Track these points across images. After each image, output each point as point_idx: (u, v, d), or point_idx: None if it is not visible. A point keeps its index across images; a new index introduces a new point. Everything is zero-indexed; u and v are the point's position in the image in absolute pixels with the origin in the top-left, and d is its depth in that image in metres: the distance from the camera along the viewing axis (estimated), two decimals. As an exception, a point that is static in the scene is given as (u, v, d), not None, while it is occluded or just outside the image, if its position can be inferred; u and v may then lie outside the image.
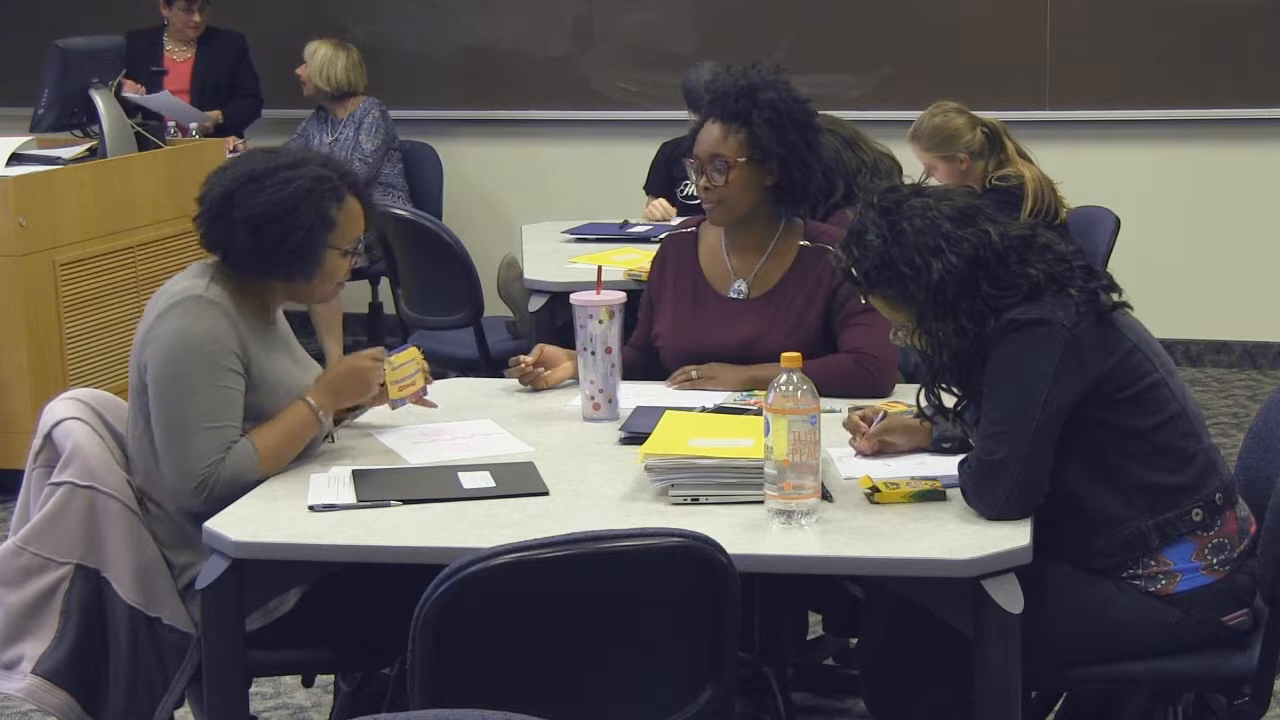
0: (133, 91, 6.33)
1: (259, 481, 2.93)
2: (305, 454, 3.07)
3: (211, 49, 7.26)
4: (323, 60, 6.97)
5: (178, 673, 2.94)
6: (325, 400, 3.07)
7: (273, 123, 7.32)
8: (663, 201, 5.81)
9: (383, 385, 3.19)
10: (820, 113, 4.74)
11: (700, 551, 2.45)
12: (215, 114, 7.04)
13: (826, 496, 2.78)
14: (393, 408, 3.26)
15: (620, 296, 3.36)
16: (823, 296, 3.51)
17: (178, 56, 7.23)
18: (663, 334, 3.64)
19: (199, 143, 6.38)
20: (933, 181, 4.75)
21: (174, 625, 2.95)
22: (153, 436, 2.97)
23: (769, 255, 3.59)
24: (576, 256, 5.12)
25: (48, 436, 3.01)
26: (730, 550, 2.47)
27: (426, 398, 3.28)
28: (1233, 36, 6.78)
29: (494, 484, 2.89)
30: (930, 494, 2.80)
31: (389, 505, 2.81)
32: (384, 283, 6.50)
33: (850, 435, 3.08)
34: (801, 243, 3.58)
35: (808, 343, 3.35)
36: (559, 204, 6.77)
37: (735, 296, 3.59)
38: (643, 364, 3.60)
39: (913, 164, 4.81)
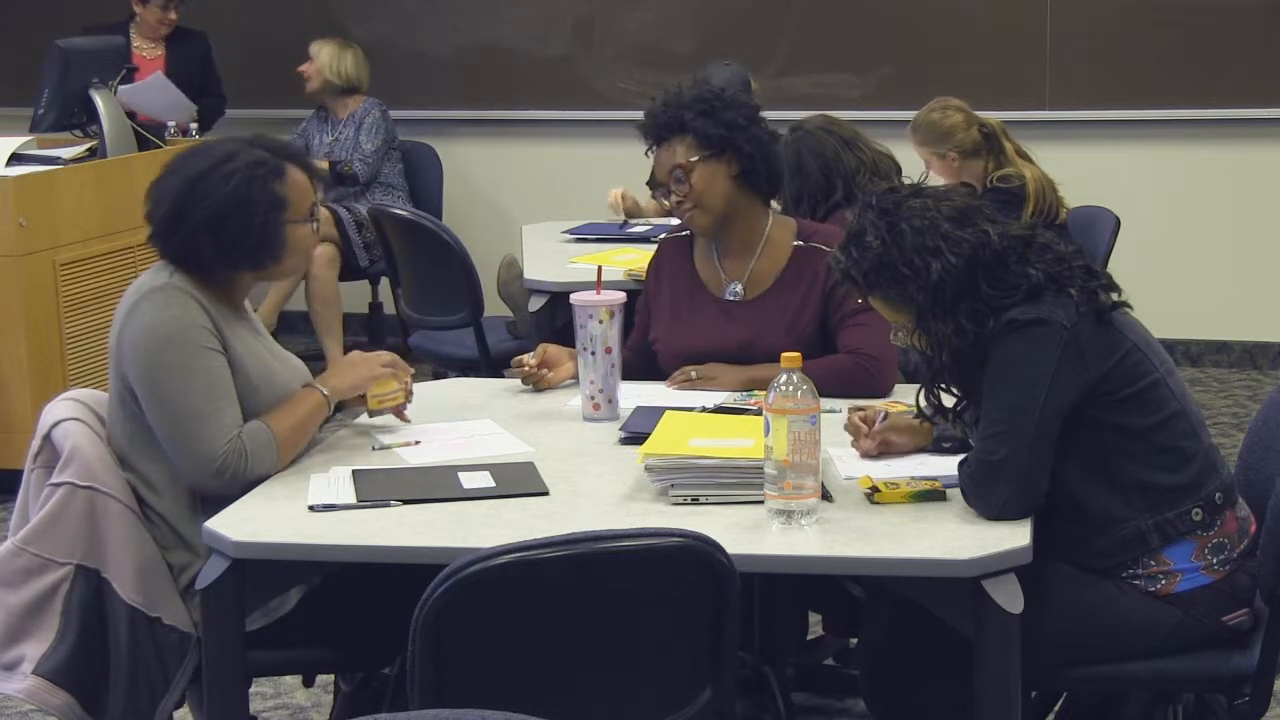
0: None
1: (275, 469, 2.95)
2: (307, 446, 3.10)
3: (181, 47, 7.22)
4: (331, 54, 6.98)
5: (178, 673, 2.94)
6: (332, 383, 3.12)
7: (273, 122, 7.31)
8: (618, 192, 5.76)
9: (363, 396, 3.22)
10: (819, 113, 4.76)
11: (700, 551, 2.45)
12: (194, 107, 6.97)
13: (826, 496, 2.78)
14: (370, 415, 3.28)
15: (620, 296, 3.36)
16: (818, 297, 3.51)
17: (147, 54, 7.17)
18: (660, 337, 3.64)
19: (198, 142, 6.36)
20: (933, 178, 4.76)
21: (174, 625, 2.94)
22: (145, 438, 2.97)
23: (760, 254, 3.59)
24: (576, 256, 5.13)
25: (47, 437, 3.01)
26: (730, 550, 2.47)
27: (404, 412, 3.28)
28: (1233, 36, 6.78)
29: (494, 484, 2.89)
30: (930, 494, 2.80)
31: (389, 505, 2.81)
32: (384, 283, 6.51)
33: (852, 437, 3.07)
34: (796, 243, 3.58)
35: (804, 343, 3.35)
36: (559, 204, 6.77)
37: (731, 299, 3.59)
38: (639, 366, 3.60)
39: (913, 164, 4.81)
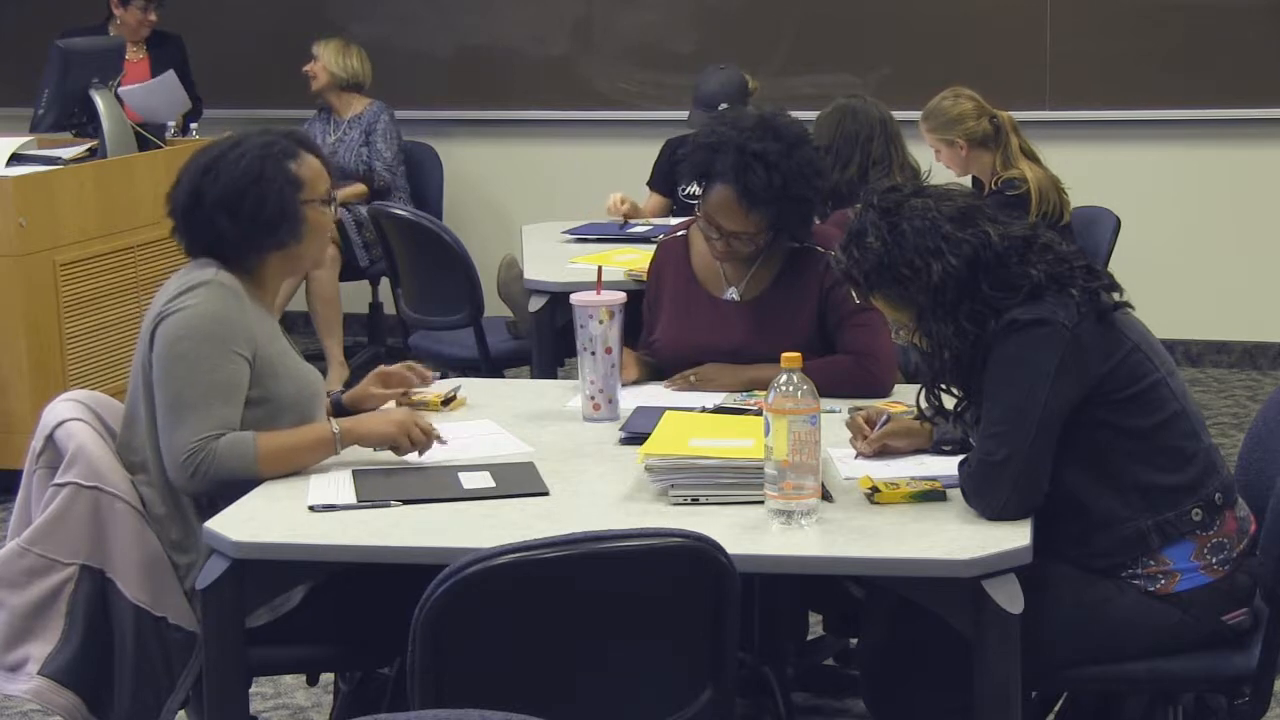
0: None
1: (256, 482, 2.93)
2: None
3: (162, 50, 7.21)
4: (337, 50, 6.98)
5: (183, 672, 2.94)
6: (349, 434, 3.03)
7: (273, 123, 7.24)
8: (617, 197, 5.76)
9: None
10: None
11: (700, 551, 2.45)
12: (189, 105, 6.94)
13: (826, 496, 2.79)
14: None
15: (620, 296, 3.36)
16: (815, 298, 3.52)
17: (132, 58, 7.14)
18: (659, 337, 3.64)
19: (198, 142, 6.36)
20: (934, 178, 4.77)
21: (179, 624, 2.95)
22: (156, 443, 2.97)
23: (761, 261, 3.58)
24: (576, 256, 5.12)
25: (49, 437, 3.01)
26: (730, 550, 2.48)
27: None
28: (1233, 36, 6.78)
29: (494, 484, 2.89)
30: (930, 494, 2.80)
31: (389, 505, 2.81)
32: (384, 283, 6.50)
33: (850, 435, 3.08)
34: (791, 244, 3.58)
35: (801, 344, 3.33)
36: (559, 204, 6.77)
37: (729, 299, 3.59)
38: (655, 367, 3.60)
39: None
